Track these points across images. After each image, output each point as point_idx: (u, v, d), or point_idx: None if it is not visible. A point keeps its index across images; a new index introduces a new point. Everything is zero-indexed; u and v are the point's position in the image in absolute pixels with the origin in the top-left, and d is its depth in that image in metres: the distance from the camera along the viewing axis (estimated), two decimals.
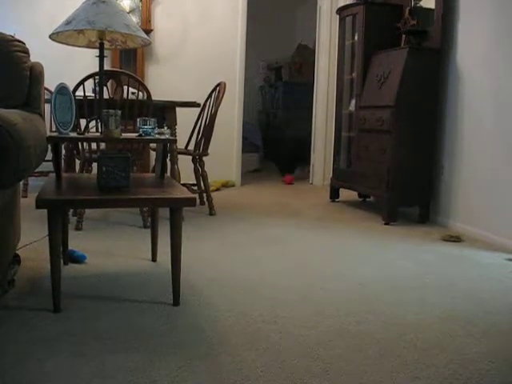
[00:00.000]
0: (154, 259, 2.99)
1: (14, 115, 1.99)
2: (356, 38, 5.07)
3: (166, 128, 3.80)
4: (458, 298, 2.58)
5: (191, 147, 4.69)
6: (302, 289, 2.60)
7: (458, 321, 2.28)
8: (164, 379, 1.69)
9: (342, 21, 5.35)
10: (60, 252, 2.25)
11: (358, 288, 2.68)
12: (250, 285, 2.66)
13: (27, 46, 2.52)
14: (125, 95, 3.64)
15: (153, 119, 2.64)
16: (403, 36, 4.73)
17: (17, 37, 2.48)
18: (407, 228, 4.16)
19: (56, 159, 2.60)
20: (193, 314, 2.26)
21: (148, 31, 5.63)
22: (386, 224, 4.26)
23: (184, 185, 3.91)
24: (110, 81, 4.05)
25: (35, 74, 2.48)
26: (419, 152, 4.34)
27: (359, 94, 4.92)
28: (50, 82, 3.38)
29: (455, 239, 3.75)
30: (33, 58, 2.54)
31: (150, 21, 5.79)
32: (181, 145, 4.53)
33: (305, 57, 8.84)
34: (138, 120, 2.64)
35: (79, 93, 3.50)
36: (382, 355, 1.92)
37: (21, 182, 3.67)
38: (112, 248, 3.25)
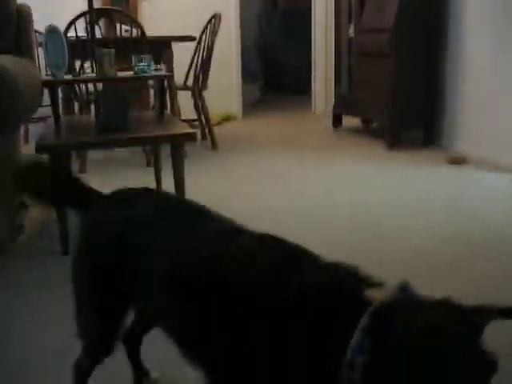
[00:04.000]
0: None
1: (4, 60, 1.96)
2: None
3: (162, 64, 3.76)
4: (462, 220, 2.59)
5: (190, 82, 4.63)
6: (304, 218, 2.62)
7: (463, 242, 2.31)
8: None
9: None
10: None
11: (362, 215, 2.70)
12: (251, 215, 2.68)
13: None
14: (118, 33, 3.57)
15: (148, 56, 2.60)
16: None
17: None
18: (411, 152, 4.15)
19: (53, 103, 2.58)
20: None
21: None
22: (389, 149, 4.24)
23: (185, 120, 3.88)
24: (101, 19, 3.96)
25: (23, 17, 2.42)
26: (421, 75, 4.26)
27: (358, 18, 4.80)
28: (39, 24, 3.30)
29: (460, 161, 3.74)
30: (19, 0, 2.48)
31: None
32: (179, 80, 4.47)
33: None
34: (133, 58, 2.59)
35: (71, 33, 3.43)
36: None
37: (21, 129, 3.65)
38: (117, 188, 3.26)
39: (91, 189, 1.21)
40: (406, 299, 0.76)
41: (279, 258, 0.87)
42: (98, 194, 1.18)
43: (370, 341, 0.71)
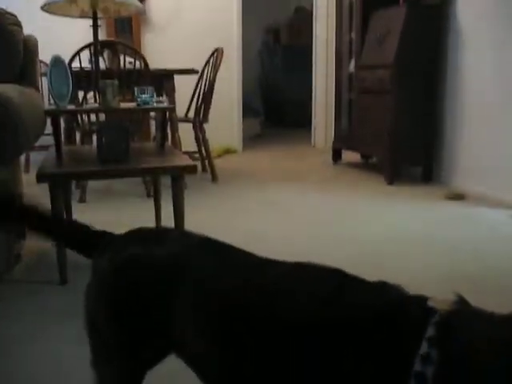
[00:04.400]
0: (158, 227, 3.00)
1: (9, 90, 1.98)
2: None
3: (164, 96, 3.79)
4: (463, 259, 2.58)
5: (191, 115, 4.67)
6: (304, 253, 2.61)
7: (464, 281, 2.29)
8: None
9: None
10: None
11: (362, 251, 2.69)
12: (253, 251, 2.67)
13: (19, 18, 2.49)
14: (121, 65, 3.61)
15: (151, 88, 2.62)
16: None
17: (8, 9, 2.45)
18: (410, 188, 4.16)
19: (55, 132, 2.59)
20: None
21: None
22: (388, 184, 4.25)
23: (185, 153, 3.90)
24: (105, 51, 4.01)
25: (29, 48, 2.45)
26: (420, 111, 4.30)
27: (358, 55, 4.86)
28: (45, 55, 3.34)
29: (458, 197, 3.75)
30: (25, 31, 2.51)
31: None
32: (181, 113, 4.50)
33: (303, 19, 8.70)
34: (136, 89, 2.61)
35: (75, 64, 3.47)
36: None
37: (22, 157, 3.67)
38: (116, 218, 3.26)
39: (94, 230, 1.14)
40: (468, 311, 0.76)
41: (332, 284, 0.85)
42: (108, 235, 1.11)
43: (438, 351, 0.70)
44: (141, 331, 0.99)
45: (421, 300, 0.79)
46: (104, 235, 1.12)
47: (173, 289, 0.95)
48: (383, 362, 0.74)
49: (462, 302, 0.78)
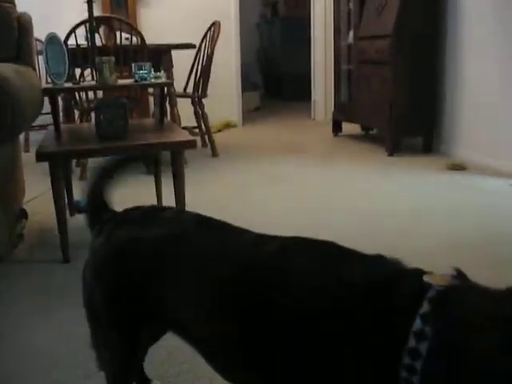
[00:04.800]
0: (159, 203, 3.00)
1: (5, 69, 1.97)
2: None
3: (162, 72, 3.76)
4: (463, 226, 2.59)
5: (190, 90, 4.64)
6: (304, 226, 2.62)
7: (464, 249, 2.30)
8: None
9: None
10: (65, 203, 2.27)
11: (362, 221, 2.70)
12: (254, 225, 2.68)
13: None
14: (118, 41, 3.57)
15: (148, 64, 2.60)
16: None
17: None
18: (411, 158, 4.15)
19: (54, 111, 2.58)
20: None
21: None
22: (389, 155, 4.24)
23: (185, 128, 3.88)
24: (101, 27, 3.97)
25: (23, 25, 2.43)
26: (420, 82, 4.27)
27: (357, 26, 4.81)
28: (40, 33, 3.31)
29: (459, 167, 3.74)
30: (19, 9, 2.48)
31: None
32: (179, 88, 4.47)
33: None
34: (133, 65, 2.60)
35: (71, 41, 3.44)
36: None
37: (21, 137, 3.66)
38: (117, 196, 3.25)
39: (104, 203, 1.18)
40: (465, 286, 0.75)
41: (328, 259, 0.86)
42: (107, 213, 1.14)
43: (432, 328, 0.70)
44: (137, 311, 1.01)
45: (417, 275, 0.78)
46: (104, 213, 1.13)
47: (169, 269, 0.96)
48: (375, 336, 0.74)
49: (460, 276, 0.77)
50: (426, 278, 0.76)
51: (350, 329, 0.76)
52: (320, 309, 0.80)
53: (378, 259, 0.84)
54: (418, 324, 0.71)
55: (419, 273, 0.79)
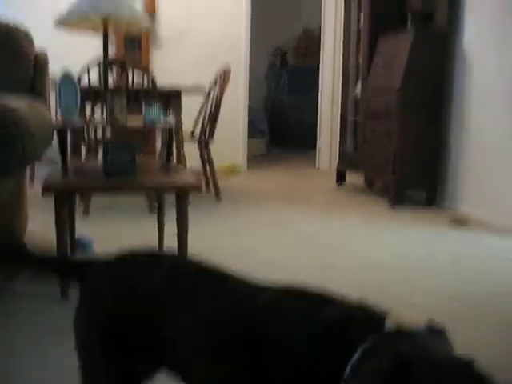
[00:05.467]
0: (160, 245, 3.00)
1: (19, 102, 2.00)
2: (362, 21, 5.03)
3: (170, 113, 3.81)
4: (466, 281, 2.58)
5: (197, 133, 4.69)
6: (305, 273, 2.60)
7: (465, 304, 2.28)
8: None
9: (347, 4, 5.31)
10: (67, 239, 2.26)
11: (365, 271, 2.68)
12: (257, 268, 2.66)
13: (31, 31, 2.52)
14: (130, 83, 3.63)
15: (158, 105, 2.64)
16: (409, 18, 4.68)
17: (20, 23, 2.48)
18: (414, 212, 4.15)
19: (62, 146, 2.60)
20: None
21: (152, 14, 5.60)
22: (392, 208, 4.25)
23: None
24: (114, 68, 4.04)
25: (40, 63, 2.48)
26: (426, 136, 4.31)
27: (365, 78, 4.89)
28: (55, 70, 3.37)
29: (462, 222, 3.74)
30: (36, 44, 2.54)
31: (153, 3, 5.76)
32: (186, 130, 4.52)
33: (310, 41, 8.78)
34: (144, 107, 2.63)
35: (84, 80, 3.50)
36: None
37: (27, 170, 3.68)
38: (119, 233, 3.26)
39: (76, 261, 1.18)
40: (406, 334, 0.75)
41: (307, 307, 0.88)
42: (93, 262, 1.12)
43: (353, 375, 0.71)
44: (132, 354, 1.01)
45: (368, 321, 0.80)
46: (89, 264, 1.13)
47: (163, 316, 0.97)
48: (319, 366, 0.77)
49: (430, 328, 0.78)
50: (387, 323, 0.77)
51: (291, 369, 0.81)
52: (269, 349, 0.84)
53: (353, 305, 0.86)
54: (347, 372, 0.72)
55: (374, 319, 0.80)
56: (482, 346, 1.88)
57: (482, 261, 2.93)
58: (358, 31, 5.17)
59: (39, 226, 3.17)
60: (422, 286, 2.51)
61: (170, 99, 4.05)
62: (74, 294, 2.19)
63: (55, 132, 2.52)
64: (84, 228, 3.27)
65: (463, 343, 1.93)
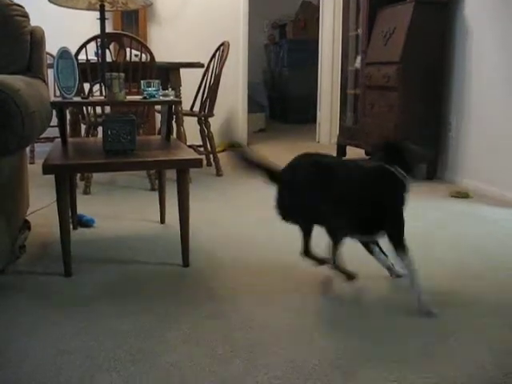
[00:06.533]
0: (162, 221, 3.01)
1: (16, 81, 1.98)
2: None
3: (170, 90, 3.78)
4: (466, 254, 2.58)
5: (196, 108, 4.67)
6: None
7: (465, 275, 2.30)
8: (176, 339, 1.72)
9: None
10: (69, 217, 2.27)
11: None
12: (259, 245, 2.67)
13: (26, 9, 2.49)
14: (128, 58, 3.60)
15: (157, 81, 2.62)
16: None
17: (15, 0, 2.45)
18: (414, 185, 4.14)
19: (61, 124, 2.59)
20: (202, 275, 2.28)
21: None
22: None
23: (190, 146, 3.90)
24: (112, 43, 4.01)
25: (36, 39, 2.45)
26: (426, 108, 4.29)
27: (365, 51, 4.85)
28: (52, 47, 3.34)
29: (463, 195, 3.74)
30: (33, 22, 2.51)
31: None
32: (186, 106, 4.50)
33: (309, 14, 8.69)
34: (142, 82, 2.61)
35: (82, 56, 3.46)
36: (388, 313, 1.94)
37: (27, 149, 3.67)
38: (120, 211, 3.27)
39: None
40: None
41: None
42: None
43: None
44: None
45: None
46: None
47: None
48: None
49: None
50: None
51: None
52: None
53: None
54: None
55: None
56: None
57: (482, 234, 2.93)
58: (358, 3, 5.11)
59: (41, 204, 3.18)
60: (421, 260, 2.51)
61: (169, 74, 4.03)
62: (77, 271, 2.21)
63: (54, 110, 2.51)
64: (86, 206, 3.27)
65: (463, 317, 1.94)
